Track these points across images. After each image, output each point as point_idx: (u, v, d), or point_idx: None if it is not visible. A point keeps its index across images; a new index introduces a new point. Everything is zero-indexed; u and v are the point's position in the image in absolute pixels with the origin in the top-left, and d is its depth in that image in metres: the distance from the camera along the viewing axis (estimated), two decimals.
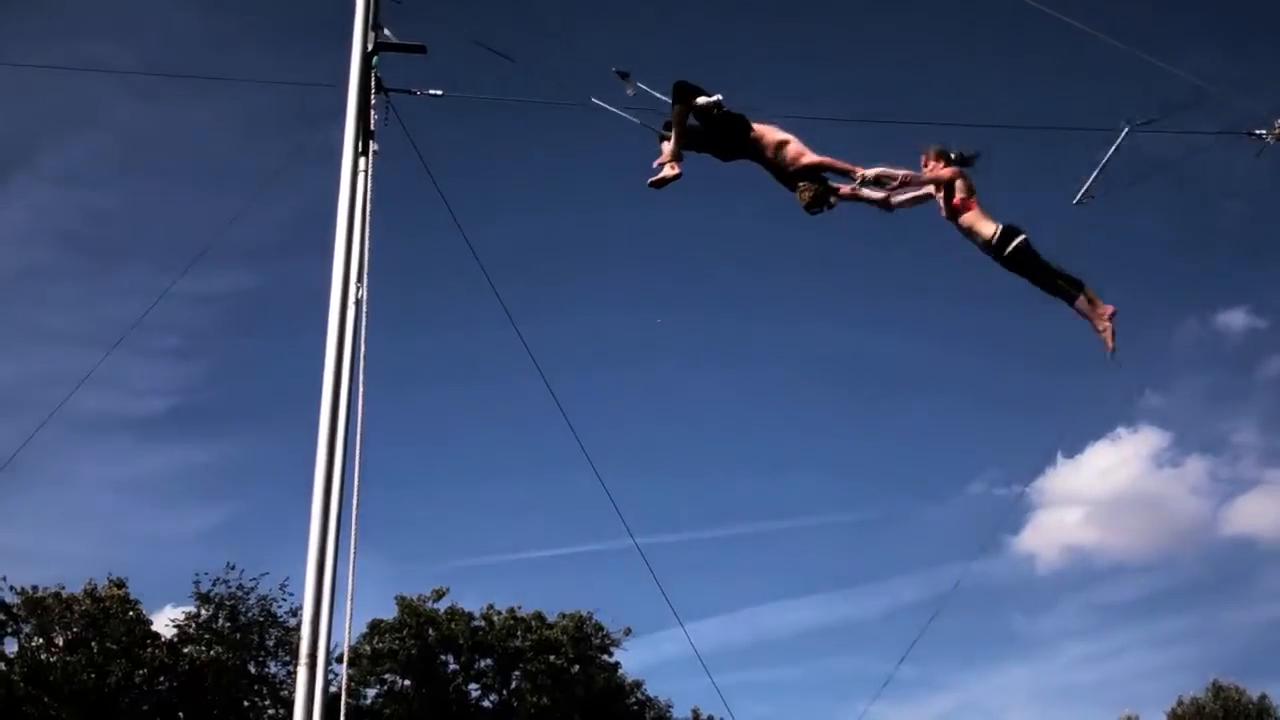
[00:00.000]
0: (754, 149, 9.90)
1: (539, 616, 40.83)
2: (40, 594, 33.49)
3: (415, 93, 10.18)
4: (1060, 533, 62.66)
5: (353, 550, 8.79)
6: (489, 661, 40.25)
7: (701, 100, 9.65)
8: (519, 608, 41.03)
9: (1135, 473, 64.08)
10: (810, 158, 9.75)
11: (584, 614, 41.05)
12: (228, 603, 35.25)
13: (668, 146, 9.89)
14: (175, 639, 34.74)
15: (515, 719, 39.33)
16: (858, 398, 73.15)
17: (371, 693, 39.30)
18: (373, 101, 9.87)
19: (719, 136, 9.92)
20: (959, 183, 9.84)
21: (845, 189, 9.91)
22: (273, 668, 36.30)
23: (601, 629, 41.27)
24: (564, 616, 40.93)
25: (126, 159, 65.82)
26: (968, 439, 76.29)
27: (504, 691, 40.37)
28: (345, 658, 12.79)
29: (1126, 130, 10.31)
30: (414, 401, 54.31)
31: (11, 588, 33.41)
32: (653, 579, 10.94)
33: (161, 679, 33.55)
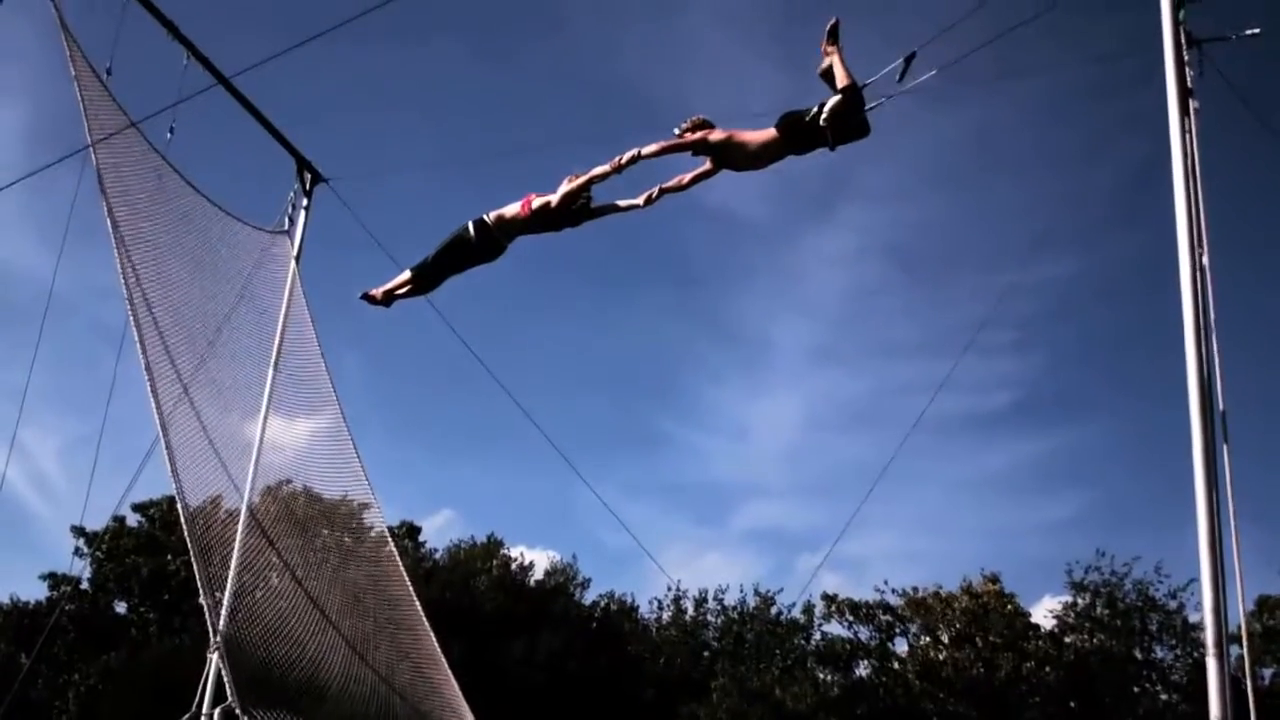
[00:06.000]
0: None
1: None
2: (921, 594, 35.91)
3: (1230, 37, 9.57)
4: None
5: (1233, 527, 8.62)
6: None
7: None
8: None
9: None
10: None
11: None
12: (1104, 590, 35.16)
13: None
14: (1055, 629, 35.35)
15: None
16: None
17: (1268, 673, 36.94)
18: (1185, 57, 9.45)
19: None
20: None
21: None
22: (1159, 652, 35.42)
23: None
24: None
25: (936, 169, 68.11)
26: None
27: None
28: (1245, 640, 12.23)
29: None
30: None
31: (894, 590, 36.20)
32: None
33: (1047, 669, 34.10)
